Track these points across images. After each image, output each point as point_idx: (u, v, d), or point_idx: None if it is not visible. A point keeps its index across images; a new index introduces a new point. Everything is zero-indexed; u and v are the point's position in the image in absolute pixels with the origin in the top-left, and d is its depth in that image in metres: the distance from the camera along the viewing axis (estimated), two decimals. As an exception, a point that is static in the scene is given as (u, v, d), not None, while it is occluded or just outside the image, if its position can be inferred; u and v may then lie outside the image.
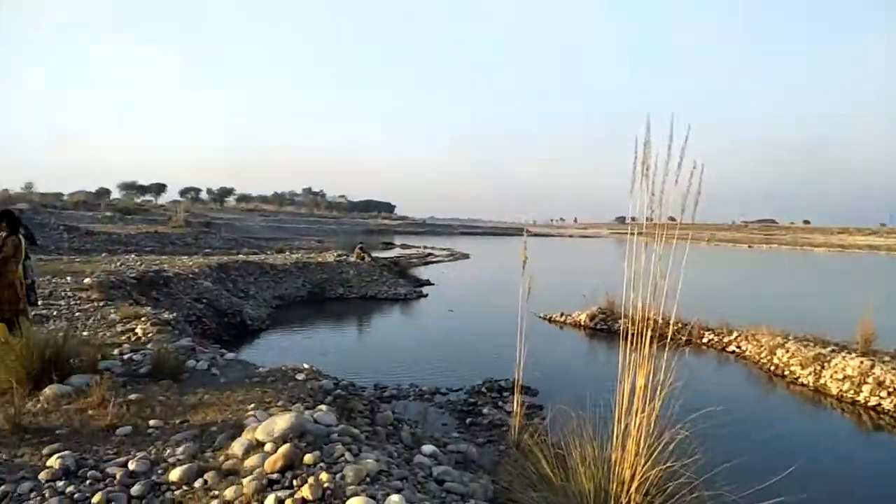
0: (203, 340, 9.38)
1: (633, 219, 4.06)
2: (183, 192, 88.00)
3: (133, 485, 3.54)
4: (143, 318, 8.91)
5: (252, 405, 5.08)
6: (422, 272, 28.01)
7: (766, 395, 10.47)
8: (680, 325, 10.69)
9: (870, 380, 9.55)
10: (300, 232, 54.54)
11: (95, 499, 3.36)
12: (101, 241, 26.29)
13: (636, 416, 3.80)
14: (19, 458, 3.88)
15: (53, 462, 3.73)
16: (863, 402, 9.34)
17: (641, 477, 3.73)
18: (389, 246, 48.86)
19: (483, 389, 9.61)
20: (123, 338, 7.69)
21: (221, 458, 3.99)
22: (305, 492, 3.40)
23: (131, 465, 3.77)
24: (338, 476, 3.65)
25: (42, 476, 3.58)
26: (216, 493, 3.50)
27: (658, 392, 3.77)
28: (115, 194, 76.50)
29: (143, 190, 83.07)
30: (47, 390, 5.03)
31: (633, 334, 3.91)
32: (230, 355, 7.32)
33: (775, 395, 10.38)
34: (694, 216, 3.72)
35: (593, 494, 3.84)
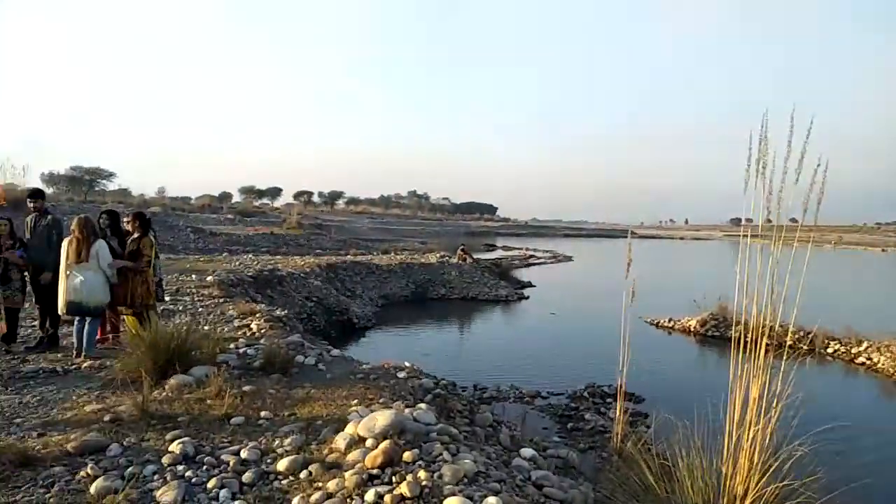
0: (312, 337, 9.79)
1: (748, 220, 3.82)
2: (296, 196, 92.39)
3: (244, 472, 3.75)
4: (257, 315, 9.42)
5: (355, 401, 5.24)
6: (523, 274, 27.78)
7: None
8: (800, 333, 9.92)
9: None
10: (404, 233, 55.72)
11: (211, 484, 3.58)
12: (223, 241, 28.15)
13: (749, 428, 3.57)
14: (146, 443, 4.22)
15: (175, 448, 4.01)
16: None
17: (755, 494, 3.50)
18: (491, 248, 48.88)
19: (585, 394, 9.40)
20: (239, 333, 8.16)
21: (325, 451, 4.13)
22: (404, 489, 3.46)
23: (243, 454, 3.99)
24: (436, 475, 3.68)
25: (164, 460, 3.87)
26: (320, 484, 3.63)
27: (774, 404, 3.52)
28: (236, 198, 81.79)
29: (260, 194, 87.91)
30: (171, 380, 5.43)
31: (747, 342, 3.68)
32: (336, 352, 7.58)
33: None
34: (817, 217, 3.45)
35: (701, 509, 3.64)
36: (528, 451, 5.35)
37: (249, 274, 14.43)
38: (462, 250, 25.27)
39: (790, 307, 3.65)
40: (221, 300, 10.97)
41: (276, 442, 4.27)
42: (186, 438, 4.17)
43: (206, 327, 7.76)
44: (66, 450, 3.95)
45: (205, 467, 3.82)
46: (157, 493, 3.43)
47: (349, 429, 4.35)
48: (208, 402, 5.03)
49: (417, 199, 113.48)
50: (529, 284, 24.29)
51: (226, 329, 8.37)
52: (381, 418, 4.30)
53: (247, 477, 3.69)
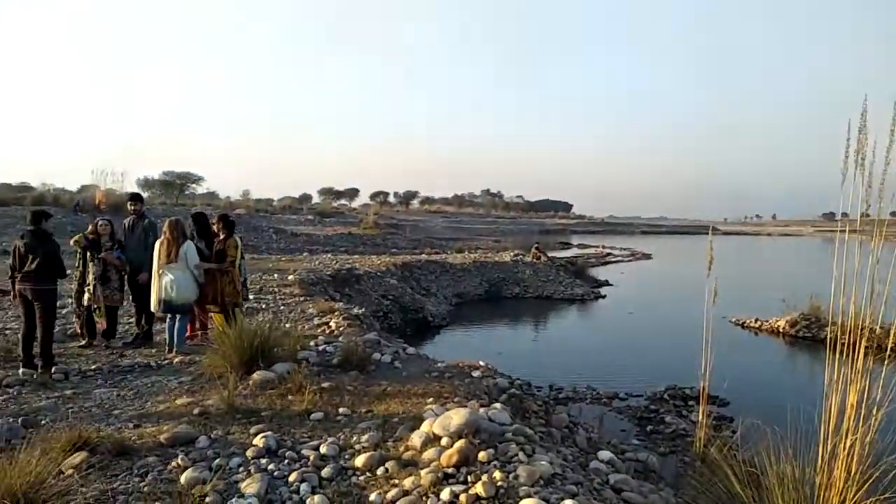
0: (388, 335, 9.93)
1: (844, 214, 3.58)
2: (373, 196, 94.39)
3: (324, 467, 3.84)
4: (335, 313, 9.65)
5: (430, 399, 5.27)
6: (600, 272, 27.23)
7: None
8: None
9: None
10: (478, 232, 55.73)
11: (292, 477, 3.69)
12: (303, 241, 29.07)
13: (846, 437, 3.33)
14: (231, 436, 4.40)
15: (259, 441, 4.16)
16: None
17: (853, 507, 3.27)
18: (566, 246, 48.22)
19: (665, 396, 9.09)
20: (319, 330, 8.39)
21: (402, 448, 4.18)
22: (479, 489, 3.44)
23: (322, 449, 4.09)
24: (511, 475, 3.65)
25: (248, 453, 4.02)
26: (396, 481, 3.67)
27: (874, 412, 3.28)
28: (315, 199, 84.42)
29: (338, 195, 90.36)
30: (255, 375, 5.64)
31: (843, 344, 3.44)
32: (411, 350, 7.67)
33: None
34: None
35: (792, 520, 3.44)
36: (605, 454, 5.23)
37: (328, 273, 14.83)
38: (536, 248, 25.04)
39: (892, 308, 3.40)
40: (302, 298, 11.30)
41: (354, 438, 4.35)
42: (269, 432, 4.32)
43: (287, 325, 8.02)
44: (158, 441, 4.18)
45: (286, 461, 3.94)
46: (242, 485, 3.56)
47: (425, 427, 4.38)
48: (289, 397, 5.20)
49: (491, 197, 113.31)
50: (606, 283, 23.76)
51: (306, 326, 8.63)
52: (457, 417, 4.30)
53: (326, 472, 3.78)
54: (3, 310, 9.28)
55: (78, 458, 3.71)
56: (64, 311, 8.53)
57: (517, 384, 6.70)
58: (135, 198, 8.15)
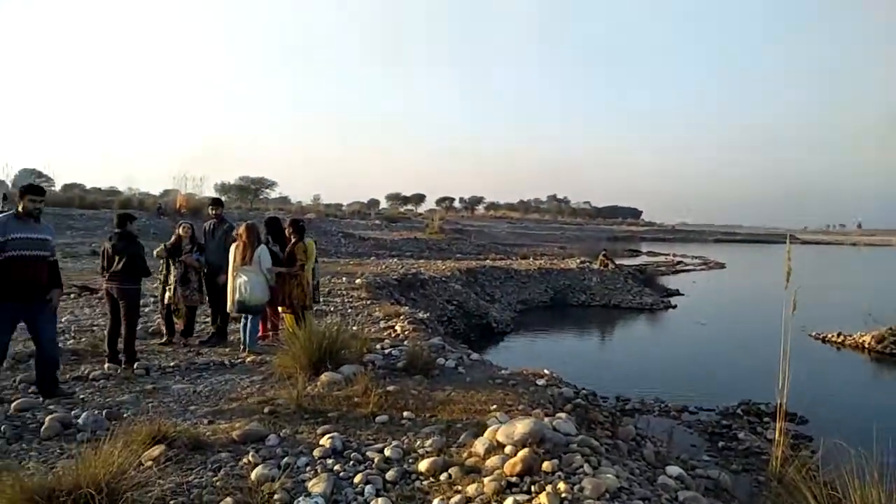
0: (452, 340, 9.97)
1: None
2: (439, 201, 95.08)
3: (388, 470, 3.87)
4: (401, 317, 9.76)
5: (494, 406, 5.24)
6: (670, 281, 26.48)
7: None
8: None
9: None
10: (543, 238, 55.27)
11: (357, 479, 3.74)
12: (370, 245, 29.63)
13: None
14: (299, 435, 4.51)
15: (325, 442, 4.25)
16: None
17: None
18: (635, 253, 47.19)
19: (738, 411, 8.75)
20: (385, 334, 8.50)
21: (465, 454, 4.17)
22: (543, 499, 3.39)
23: (387, 452, 4.14)
24: (575, 487, 3.58)
25: (315, 453, 4.10)
26: (459, 488, 3.66)
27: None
28: (383, 204, 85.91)
29: (405, 200, 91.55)
30: (323, 377, 5.77)
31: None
32: (475, 356, 7.66)
33: None
34: None
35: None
36: (674, 469, 5.05)
37: (394, 277, 15.04)
38: (604, 255, 24.58)
39: None
40: (368, 302, 11.50)
41: (418, 442, 4.37)
42: (336, 433, 4.40)
43: (354, 328, 8.18)
44: (231, 437, 4.33)
45: (351, 462, 4.00)
46: (309, 484, 3.63)
47: (488, 434, 4.36)
48: (355, 399, 5.28)
49: (557, 203, 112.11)
50: (677, 292, 23.10)
51: (372, 330, 8.76)
52: (521, 426, 4.26)
53: (390, 475, 3.81)
54: (91, 307, 9.87)
55: (156, 450, 3.88)
56: (146, 310, 8.99)
57: (582, 394, 6.58)
58: (215, 202, 8.52)
